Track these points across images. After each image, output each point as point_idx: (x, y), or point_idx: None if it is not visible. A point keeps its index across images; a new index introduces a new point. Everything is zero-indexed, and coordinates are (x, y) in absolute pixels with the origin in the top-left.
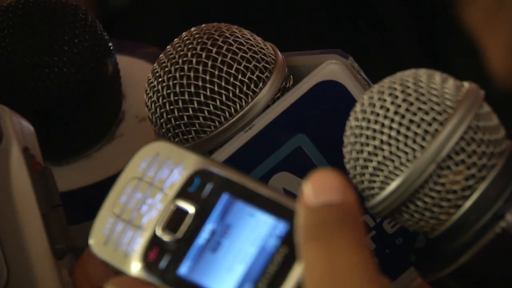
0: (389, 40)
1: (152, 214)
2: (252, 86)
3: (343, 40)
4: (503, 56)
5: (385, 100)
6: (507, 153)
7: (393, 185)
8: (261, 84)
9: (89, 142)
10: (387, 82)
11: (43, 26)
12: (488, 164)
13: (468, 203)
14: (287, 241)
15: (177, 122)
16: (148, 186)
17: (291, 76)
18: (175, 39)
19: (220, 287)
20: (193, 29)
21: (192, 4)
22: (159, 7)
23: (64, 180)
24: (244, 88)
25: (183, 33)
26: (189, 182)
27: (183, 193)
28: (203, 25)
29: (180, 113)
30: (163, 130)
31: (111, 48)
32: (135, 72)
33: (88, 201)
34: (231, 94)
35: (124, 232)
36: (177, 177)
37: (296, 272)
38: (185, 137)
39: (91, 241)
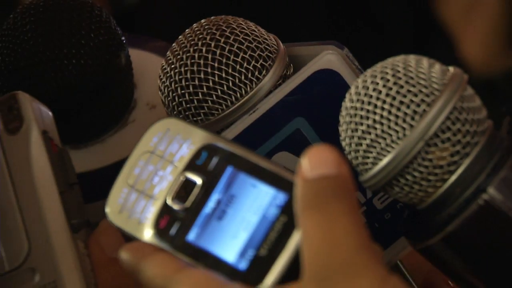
0: (383, 36)
1: (163, 184)
2: (256, 73)
3: (341, 37)
4: (477, 48)
5: (377, 83)
6: (489, 132)
7: (385, 160)
8: (264, 72)
9: (104, 127)
10: (379, 67)
11: (62, 22)
12: (472, 141)
13: (453, 177)
14: (287, 210)
15: (188, 105)
16: (159, 159)
17: (291, 65)
18: (187, 30)
19: (225, 252)
20: (203, 21)
21: (196, 2)
22: (167, 5)
23: (81, 162)
24: (249, 75)
25: (194, 25)
26: (197, 155)
27: (191, 166)
28: (212, 17)
29: (191, 97)
30: (175, 112)
31: (124, 42)
32: (146, 64)
33: (103, 181)
34: (237, 80)
35: (138, 201)
36: (186, 151)
37: (295, 239)
38: (195, 119)
39: (107, 209)
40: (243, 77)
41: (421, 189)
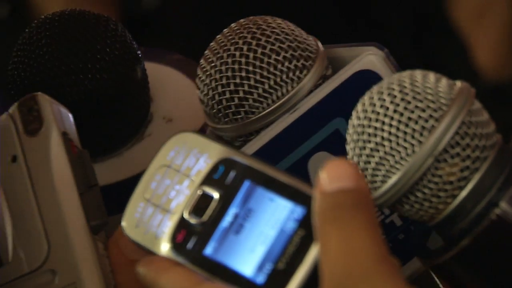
0: (386, 37)
1: (180, 199)
2: (297, 72)
3: (342, 38)
4: (490, 53)
5: (384, 100)
6: (498, 146)
7: (394, 178)
8: (305, 71)
9: (120, 141)
10: (386, 83)
11: (78, 36)
12: (481, 156)
13: (464, 193)
14: (305, 224)
15: (228, 103)
16: (176, 173)
17: (330, 66)
18: (225, 30)
19: (243, 266)
20: (241, 20)
21: (211, 6)
22: (185, 10)
23: (98, 176)
24: (290, 74)
25: (232, 24)
26: (214, 169)
27: (208, 180)
28: (251, 17)
29: (232, 95)
30: (214, 111)
31: (140, 55)
32: (162, 77)
33: (120, 195)
34: (278, 79)
35: (154, 215)
36: (203, 165)
37: (313, 252)
38: (235, 117)
39: (124, 224)
40: (284, 76)
41: (432, 206)
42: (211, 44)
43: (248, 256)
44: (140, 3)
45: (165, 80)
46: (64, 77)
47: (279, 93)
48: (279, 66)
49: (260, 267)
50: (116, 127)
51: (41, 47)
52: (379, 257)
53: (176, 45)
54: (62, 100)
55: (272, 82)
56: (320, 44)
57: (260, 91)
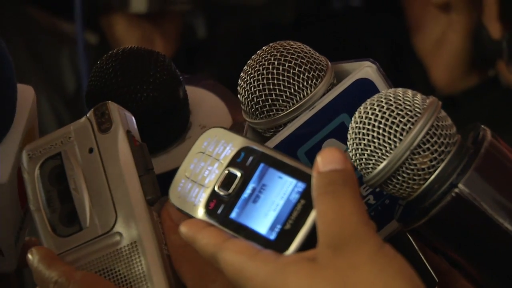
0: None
1: (212, 176)
2: (314, 81)
3: (341, 58)
4: (444, 74)
5: (374, 109)
6: (458, 143)
7: (382, 165)
8: (319, 80)
9: (168, 142)
10: (376, 97)
11: (136, 65)
12: (446, 150)
13: (432, 177)
14: (305, 195)
15: (264, 103)
16: (209, 158)
17: (335, 77)
18: (258, 51)
19: (259, 227)
20: (272, 44)
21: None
22: (226, 43)
23: (155, 166)
24: (309, 82)
25: (264, 47)
26: (237, 155)
27: (233, 163)
28: (278, 42)
29: (266, 97)
30: (252, 110)
31: (181, 80)
32: (198, 96)
33: (169, 181)
34: (300, 85)
35: (193, 189)
36: (228, 152)
37: (312, 216)
38: (268, 113)
39: (170, 195)
40: (304, 83)
41: (409, 186)
42: (249, 61)
43: (263, 219)
44: (196, 36)
45: (200, 98)
46: (126, 95)
47: (301, 95)
48: (301, 75)
49: (272, 227)
50: (165, 132)
51: (109, 74)
52: (363, 220)
53: (219, 67)
54: None
55: (296, 87)
56: (328, 61)
57: (287, 94)
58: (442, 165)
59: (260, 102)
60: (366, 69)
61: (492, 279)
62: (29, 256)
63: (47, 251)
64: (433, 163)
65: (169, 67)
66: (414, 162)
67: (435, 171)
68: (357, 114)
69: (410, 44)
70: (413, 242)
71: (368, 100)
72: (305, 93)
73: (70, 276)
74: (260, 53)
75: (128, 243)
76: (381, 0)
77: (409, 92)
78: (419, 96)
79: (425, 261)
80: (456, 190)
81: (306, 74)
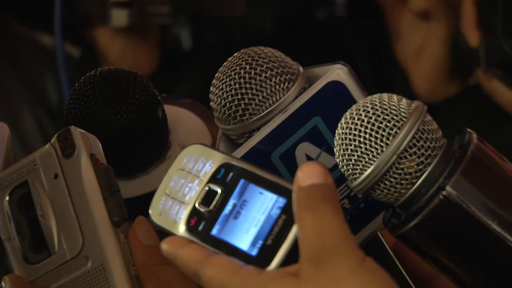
0: (354, 71)
1: (192, 193)
2: (286, 84)
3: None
4: (424, 83)
5: (360, 114)
6: (444, 146)
7: (369, 170)
8: (291, 84)
9: (148, 163)
10: (362, 103)
11: (114, 87)
12: (432, 154)
13: (420, 181)
14: (286, 210)
15: (237, 108)
16: (189, 175)
17: (307, 82)
18: (230, 57)
19: (240, 243)
20: (243, 50)
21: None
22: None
23: (133, 189)
24: (281, 86)
25: (236, 53)
26: (217, 171)
27: (213, 179)
28: (252, 47)
29: (239, 102)
30: (225, 116)
31: (160, 99)
32: (176, 115)
33: (150, 203)
34: (272, 89)
35: (173, 206)
36: (208, 168)
37: (293, 231)
38: (241, 118)
39: (150, 212)
40: (276, 87)
41: (396, 191)
42: (220, 68)
43: (244, 235)
44: (180, 47)
45: (178, 117)
46: (104, 117)
47: (273, 99)
48: (273, 79)
49: (253, 243)
50: (145, 152)
51: (88, 96)
52: (344, 234)
53: (204, 77)
54: (103, 134)
55: (268, 91)
56: (300, 67)
57: (260, 98)
58: (429, 168)
59: (233, 107)
60: (337, 72)
61: (482, 282)
62: (2, 284)
63: (19, 279)
64: (420, 167)
65: (147, 87)
66: (401, 166)
67: (422, 175)
68: (343, 120)
69: (392, 52)
70: (388, 248)
71: (354, 105)
72: (277, 97)
73: None
74: (232, 59)
75: (96, 265)
76: (363, 9)
77: (395, 97)
78: (404, 100)
79: (399, 266)
80: (444, 193)
81: (277, 78)
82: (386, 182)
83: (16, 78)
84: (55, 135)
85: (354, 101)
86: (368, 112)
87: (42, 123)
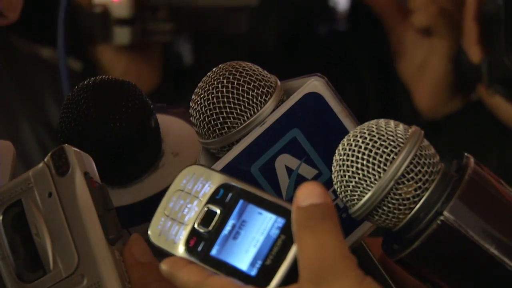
0: (357, 86)
1: (191, 214)
2: (264, 97)
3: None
4: (426, 99)
5: (358, 140)
6: (442, 171)
7: (366, 196)
8: (269, 96)
9: (142, 170)
10: (359, 129)
11: (108, 96)
12: (430, 179)
13: (418, 206)
14: (285, 231)
15: (215, 122)
16: (188, 195)
17: (284, 94)
18: (209, 72)
19: (240, 263)
20: (221, 65)
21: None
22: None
23: (128, 196)
24: (258, 99)
25: (214, 68)
26: (216, 192)
27: (212, 200)
28: (230, 62)
29: (218, 115)
30: (205, 129)
31: (152, 108)
32: (169, 124)
33: (145, 209)
34: (250, 102)
35: (172, 227)
36: (207, 189)
37: (293, 251)
38: (220, 132)
39: (150, 233)
40: (254, 100)
41: (394, 216)
42: (199, 84)
43: (243, 255)
44: (183, 63)
45: (171, 126)
46: (98, 125)
47: (251, 112)
48: (251, 92)
49: (252, 263)
50: (139, 160)
51: (81, 105)
52: (343, 254)
53: None
54: (96, 143)
55: (246, 104)
56: (278, 79)
57: (238, 111)
58: (427, 194)
59: (212, 120)
60: (314, 83)
61: None
62: None
63: None
64: (418, 192)
65: (140, 97)
66: (399, 191)
67: (420, 200)
68: (340, 146)
69: (394, 68)
70: (374, 258)
71: (351, 132)
72: (255, 110)
73: None
74: (211, 74)
75: (91, 283)
76: (365, 23)
77: (392, 122)
78: (401, 126)
79: (385, 275)
80: (442, 218)
81: (255, 91)
82: (385, 208)
83: (17, 94)
84: (49, 154)
85: (331, 112)
86: (365, 138)
87: (43, 140)
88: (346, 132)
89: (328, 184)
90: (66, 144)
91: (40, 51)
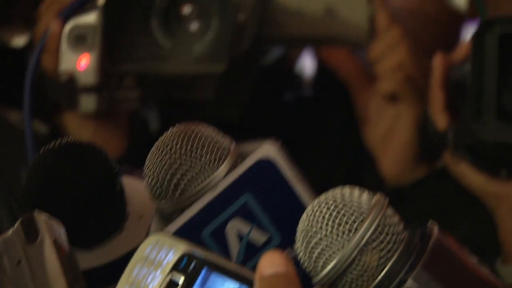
0: (322, 152)
1: (154, 283)
2: (216, 162)
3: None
4: (392, 167)
5: (322, 210)
6: (406, 240)
7: (331, 264)
8: (221, 161)
9: (107, 233)
10: (323, 198)
11: (73, 159)
12: (393, 248)
13: (381, 275)
14: None
15: (169, 186)
16: (152, 264)
17: (240, 157)
18: (165, 133)
19: None
20: (178, 125)
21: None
22: None
23: (93, 259)
24: (211, 164)
25: (171, 129)
26: (179, 260)
27: (175, 268)
28: (187, 123)
29: (170, 180)
30: (158, 191)
31: (117, 171)
32: (134, 186)
33: (110, 272)
34: (204, 167)
35: None
36: (171, 257)
37: None
38: (174, 194)
39: None
40: (208, 165)
41: (358, 285)
42: (155, 145)
43: None
44: (149, 130)
45: (136, 188)
46: (61, 188)
47: (205, 176)
48: (203, 158)
49: None
50: (103, 223)
51: (47, 167)
52: None
53: None
54: (61, 205)
55: (199, 169)
56: (233, 142)
57: (191, 174)
58: (391, 262)
59: (166, 182)
60: (267, 148)
61: None
62: None
63: None
64: (382, 260)
65: (106, 159)
66: (363, 260)
67: (384, 268)
68: (304, 215)
69: (360, 135)
70: None
71: (316, 200)
72: (208, 174)
73: None
74: (165, 136)
75: None
76: (331, 90)
77: (356, 190)
78: (365, 194)
79: None
80: (406, 286)
81: (208, 156)
82: (349, 276)
83: None
84: (18, 220)
85: (283, 178)
86: (329, 207)
87: (12, 206)
88: (297, 198)
89: (279, 249)
90: (35, 211)
91: (8, 115)
